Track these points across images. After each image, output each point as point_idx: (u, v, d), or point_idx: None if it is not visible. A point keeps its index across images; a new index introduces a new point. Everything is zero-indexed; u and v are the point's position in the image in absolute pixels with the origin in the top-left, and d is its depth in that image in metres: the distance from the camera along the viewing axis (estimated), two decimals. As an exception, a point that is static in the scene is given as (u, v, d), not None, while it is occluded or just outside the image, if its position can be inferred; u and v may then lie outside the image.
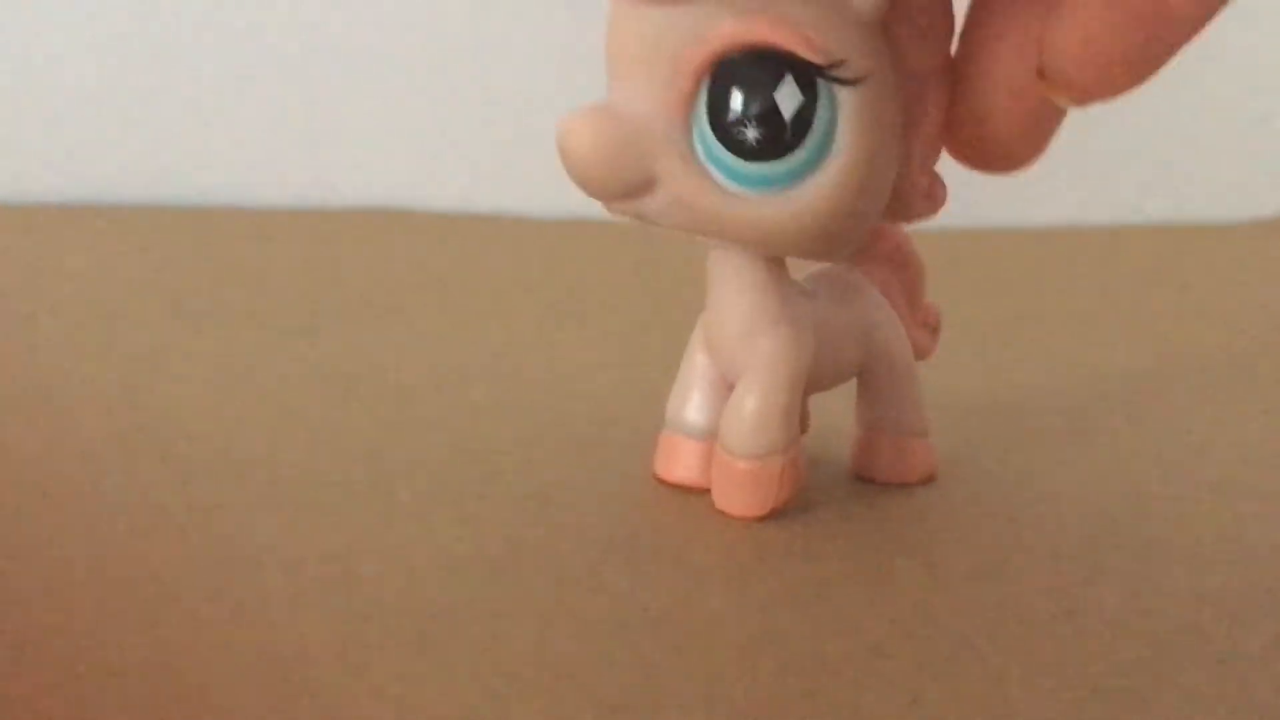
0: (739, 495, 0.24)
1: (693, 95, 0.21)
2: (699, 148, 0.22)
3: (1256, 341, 0.38)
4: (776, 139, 0.21)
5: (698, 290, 0.24)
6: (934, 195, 0.24)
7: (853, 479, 0.26)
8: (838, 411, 0.27)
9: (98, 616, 0.20)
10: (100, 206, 0.53)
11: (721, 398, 0.24)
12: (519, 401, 0.31)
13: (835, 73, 0.21)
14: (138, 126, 0.54)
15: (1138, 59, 0.21)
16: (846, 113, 0.21)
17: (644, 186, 0.22)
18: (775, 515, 0.24)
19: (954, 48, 0.23)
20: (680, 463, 0.25)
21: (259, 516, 0.24)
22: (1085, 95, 0.22)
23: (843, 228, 0.22)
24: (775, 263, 0.24)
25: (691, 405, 0.25)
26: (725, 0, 0.21)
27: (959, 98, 0.23)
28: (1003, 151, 0.23)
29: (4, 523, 0.23)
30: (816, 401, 0.27)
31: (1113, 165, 0.56)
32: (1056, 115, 0.23)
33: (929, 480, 0.26)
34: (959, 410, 0.31)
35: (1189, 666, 0.20)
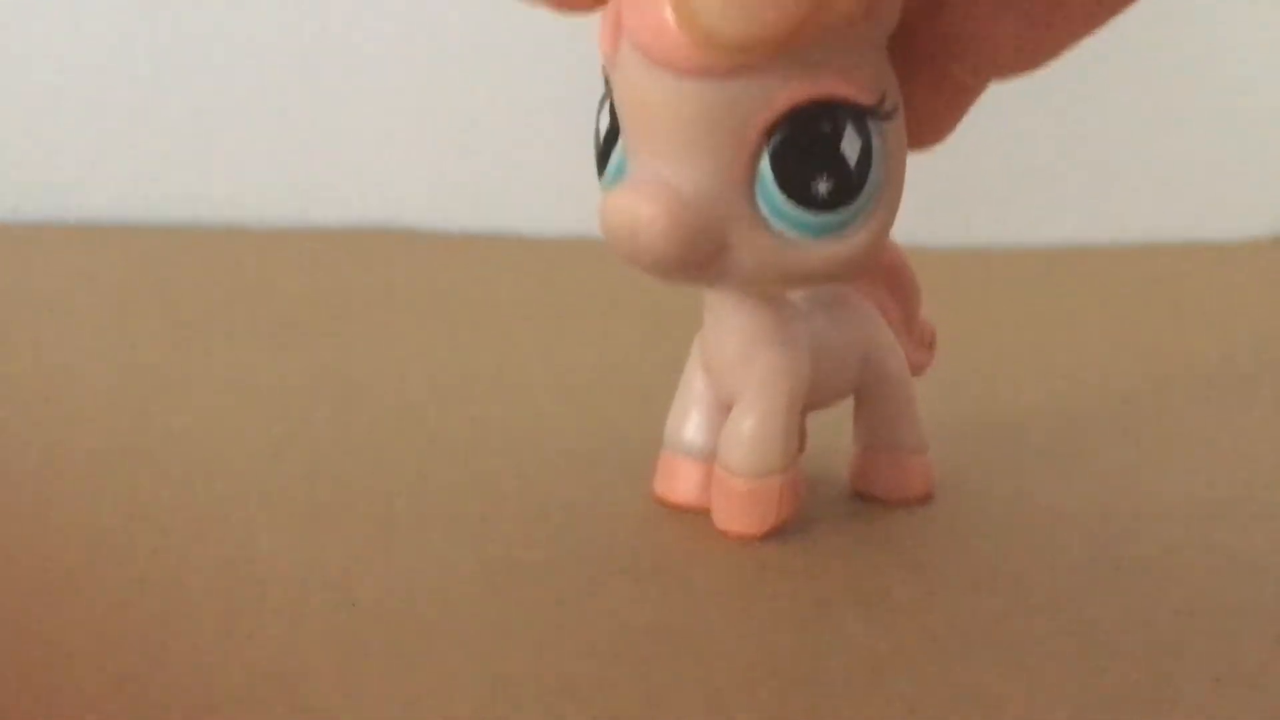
0: (738, 515, 0.24)
1: (756, 160, 0.21)
2: (764, 207, 0.21)
3: (1253, 359, 0.38)
4: (846, 187, 0.21)
5: (697, 309, 0.25)
6: None
7: (851, 497, 0.26)
8: (836, 430, 0.27)
9: (96, 632, 0.20)
10: (108, 226, 0.53)
11: (720, 418, 0.25)
12: (519, 420, 0.31)
13: (882, 109, 0.21)
14: (140, 146, 0.55)
15: (1030, 46, 0.21)
16: (884, 143, 0.21)
17: (716, 259, 0.21)
18: (775, 534, 0.24)
19: None
20: (680, 483, 0.25)
21: (259, 534, 0.24)
22: (979, 73, 0.22)
23: (880, 250, 0.23)
24: None
25: (690, 425, 0.25)
26: (776, 59, 0.20)
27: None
28: (915, 130, 0.24)
29: (5, 538, 0.23)
30: (814, 420, 0.27)
31: (1110, 184, 0.56)
32: (968, 97, 0.23)
33: (928, 497, 0.26)
34: (957, 428, 0.31)
35: (1186, 683, 0.20)
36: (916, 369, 0.27)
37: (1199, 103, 0.56)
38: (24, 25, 0.54)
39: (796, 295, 0.25)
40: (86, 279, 0.44)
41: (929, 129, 0.24)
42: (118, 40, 0.54)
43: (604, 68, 0.22)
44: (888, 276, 0.26)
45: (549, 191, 0.55)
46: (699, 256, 0.21)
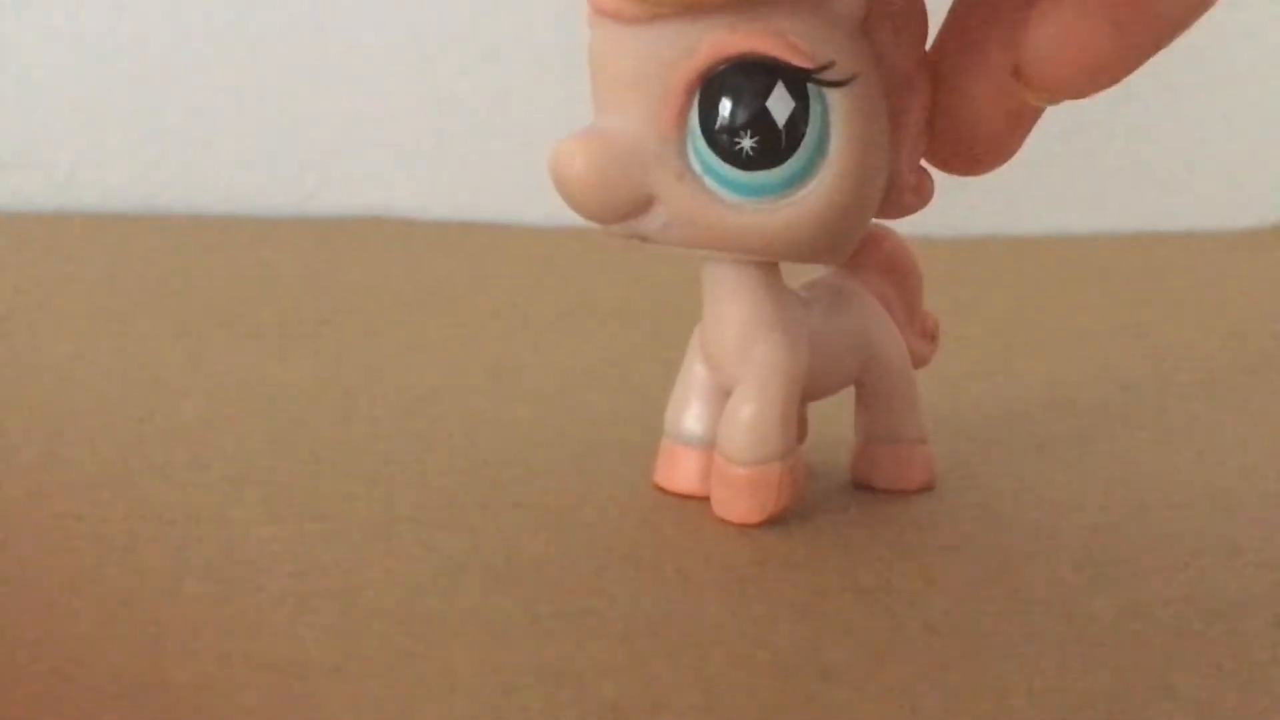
0: (738, 502, 0.24)
1: (684, 111, 0.21)
2: (695, 162, 0.22)
3: (1256, 350, 0.38)
4: (772, 147, 0.21)
5: (696, 298, 0.25)
6: (922, 190, 0.24)
7: (852, 487, 0.26)
8: (837, 420, 0.27)
9: (97, 626, 0.20)
10: (101, 216, 0.53)
11: (720, 407, 0.25)
12: (519, 410, 0.31)
13: (824, 76, 0.21)
14: (138, 136, 0.55)
15: (1111, 60, 0.21)
16: (837, 115, 0.22)
17: (641, 206, 0.22)
18: (774, 522, 0.24)
19: (932, 47, 0.24)
20: (680, 472, 0.25)
21: (258, 526, 0.24)
22: (1057, 95, 0.22)
23: (840, 229, 0.23)
24: (770, 272, 0.24)
25: (690, 414, 0.25)
26: (709, 15, 0.21)
27: (937, 98, 0.23)
28: (977, 153, 0.24)
29: (4, 531, 0.23)
30: (815, 410, 0.27)
31: (1113, 174, 0.56)
32: (1031, 117, 0.23)
33: (928, 487, 0.26)
34: (958, 418, 0.31)
35: (1187, 674, 0.20)
36: (919, 360, 0.27)
37: (1200, 92, 0.56)
38: (24, 14, 0.54)
39: (797, 284, 0.25)
40: (85, 269, 0.44)
41: (992, 151, 0.24)
42: (116, 30, 0.54)
43: None
44: (890, 267, 0.26)
45: (547, 181, 0.55)
46: (621, 200, 0.22)
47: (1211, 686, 0.19)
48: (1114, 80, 0.22)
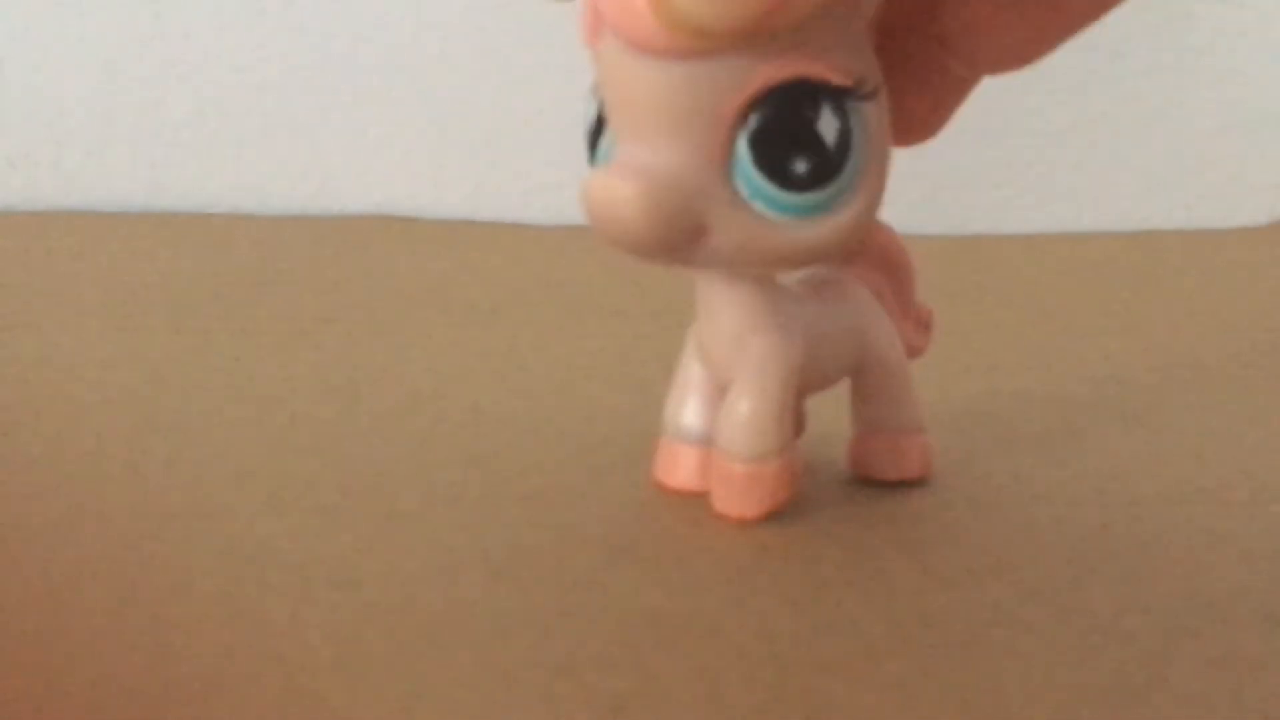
0: (736, 498, 0.24)
1: (732, 141, 0.21)
2: (742, 188, 0.21)
3: (1250, 346, 0.38)
4: (823, 166, 0.21)
5: (693, 297, 0.25)
6: None
7: (850, 480, 0.27)
8: (833, 414, 0.27)
9: (100, 619, 0.20)
10: (107, 214, 0.53)
11: (717, 403, 0.25)
12: (520, 407, 0.31)
13: (860, 91, 0.21)
14: (141, 133, 0.55)
15: (1028, 41, 0.22)
16: (866, 126, 0.22)
17: (693, 238, 0.21)
18: (773, 517, 0.24)
19: None
20: (679, 468, 0.26)
21: (261, 521, 0.24)
22: (980, 68, 0.22)
23: (866, 231, 0.23)
24: None
25: (688, 411, 0.25)
26: (761, 45, 0.21)
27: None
28: (906, 126, 0.24)
29: (8, 525, 0.23)
30: (812, 404, 0.27)
31: (1106, 172, 0.56)
32: (961, 90, 0.23)
33: (925, 477, 0.26)
34: (955, 413, 0.31)
35: (1184, 668, 0.20)
36: (913, 352, 0.27)
37: (1195, 90, 0.56)
38: (31, 13, 0.54)
39: (790, 279, 0.25)
40: (89, 267, 0.44)
41: (922, 124, 0.24)
42: (120, 30, 0.54)
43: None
44: (883, 260, 0.26)
45: (549, 179, 0.55)
46: (677, 236, 0.21)
47: (1206, 681, 0.19)
48: (1039, 55, 0.22)
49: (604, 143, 0.23)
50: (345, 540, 0.23)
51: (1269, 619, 0.21)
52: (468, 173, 0.55)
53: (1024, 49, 0.22)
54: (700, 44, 0.20)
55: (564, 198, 0.51)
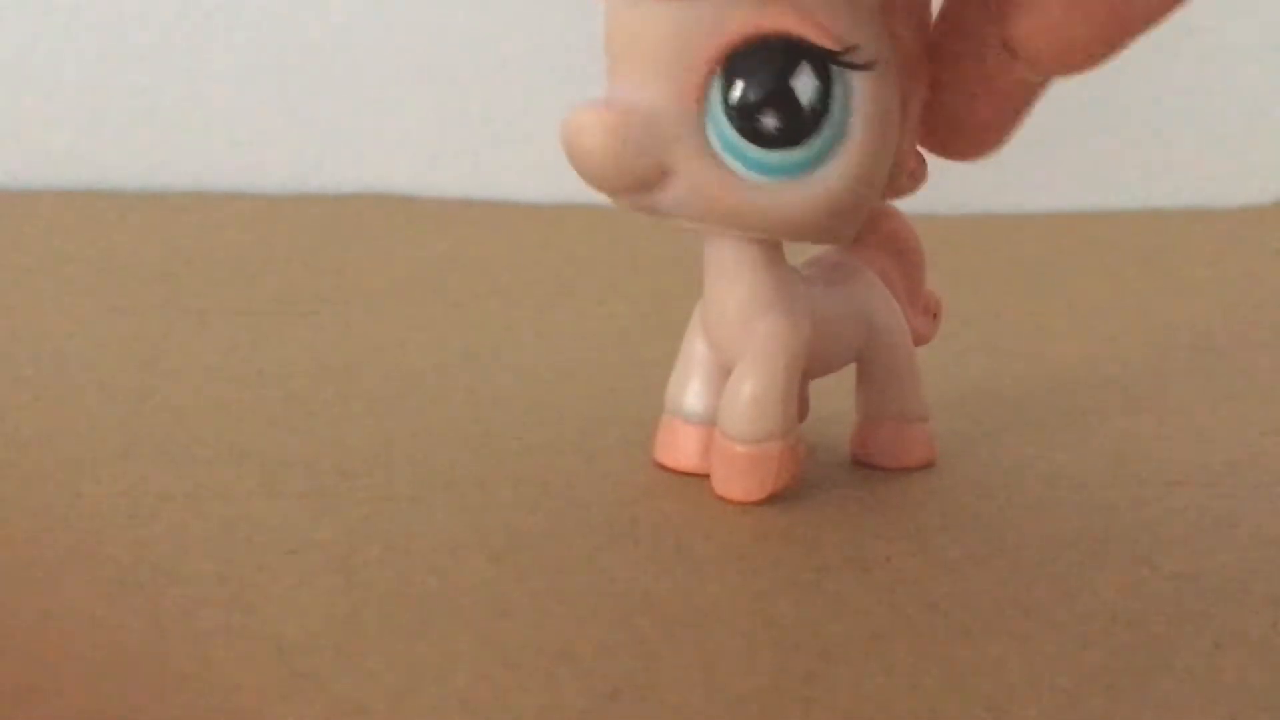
0: (737, 480, 0.24)
1: (707, 86, 0.21)
2: (714, 138, 0.21)
3: (1254, 327, 0.38)
4: (795, 126, 0.21)
5: (696, 275, 0.25)
6: (917, 173, 0.24)
7: (853, 465, 0.26)
8: (838, 398, 0.27)
9: (96, 601, 0.20)
10: (101, 193, 0.53)
11: (720, 383, 0.24)
12: (518, 387, 0.31)
13: (849, 58, 0.21)
14: (137, 112, 0.54)
15: (1096, 40, 0.21)
16: (858, 98, 0.22)
17: (657, 179, 0.22)
18: (774, 500, 0.24)
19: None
20: (680, 448, 0.25)
21: (258, 503, 0.24)
22: (1051, 69, 0.22)
23: (851, 210, 0.23)
24: (772, 249, 0.24)
25: (691, 391, 0.25)
26: None
27: (938, 81, 0.23)
28: (970, 137, 0.23)
29: (2, 509, 0.23)
30: (816, 388, 0.27)
31: (1110, 151, 0.56)
32: (1024, 101, 0.23)
33: (928, 465, 0.26)
34: (957, 396, 0.31)
35: (1186, 651, 0.20)
36: (920, 339, 0.27)
37: (1200, 68, 0.56)
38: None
39: (799, 262, 0.25)
40: (82, 247, 0.43)
41: (991, 133, 0.24)
42: (114, 7, 0.54)
43: None
44: (892, 245, 0.26)
45: (547, 157, 0.54)
46: (638, 172, 0.21)
47: (1210, 663, 0.19)
48: (1107, 55, 0.22)
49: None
50: (342, 522, 0.23)
51: (1274, 602, 0.21)
52: (465, 151, 0.55)
53: (1092, 48, 0.21)
54: None
55: (562, 176, 0.51)
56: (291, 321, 0.35)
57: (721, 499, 0.24)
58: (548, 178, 0.54)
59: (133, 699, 0.18)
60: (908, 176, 0.24)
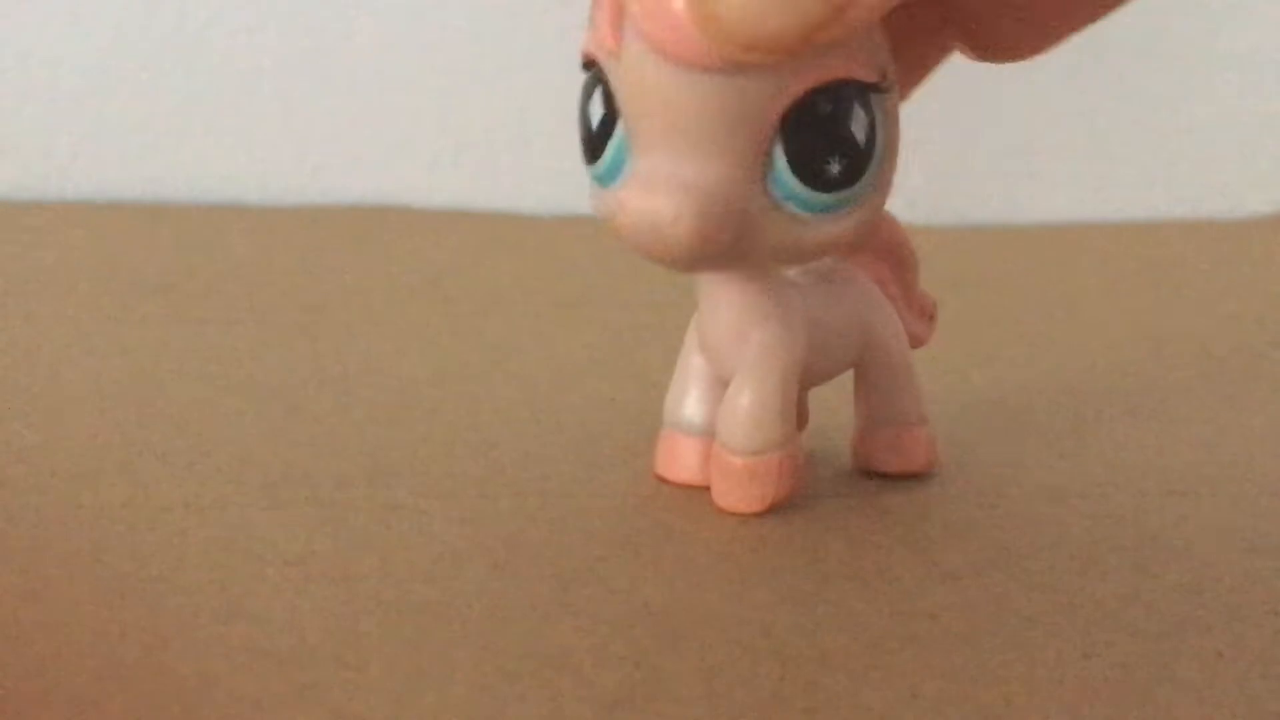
0: (737, 491, 0.24)
1: (771, 146, 0.21)
2: (776, 192, 0.21)
3: (1256, 337, 0.38)
4: (856, 165, 0.21)
5: (694, 288, 0.24)
6: None
7: (853, 473, 0.26)
8: (837, 406, 0.27)
9: (95, 612, 0.20)
10: (100, 204, 0.53)
11: (718, 395, 0.24)
12: (518, 398, 0.31)
13: (884, 85, 0.21)
14: (135, 123, 0.54)
15: (1053, 24, 0.21)
16: (885, 117, 0.22)
17: (734, 248, 0.21)
18: (774, 511, 0.24)
19: None
20: (680, 461, 0.25)
21: (257, 513, 0.24)
22: (999, 57, 0.22)
23: (878, 223, 0.23)
24: None
25: (689, 403, 0.25)
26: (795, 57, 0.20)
27: None
28: (1035, 29, 0.23)
29: (1, 519, 0.23)
30: (815, 396, 0.27)
31: (1110, 162, 0.56)
32: (935, 66, 0.23)
33: (930, 468, 0.26)
34: (959, 405, 0.31)
35: (1188, 661, 0.20)
36: (916, 341, 0.27)
37: (1200, 79, 0.56)
38: (21, 1, 0.54)
39: (792, 270, 0.25)
40: (82, 257, 0.43)
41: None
42: (117, 18, 0.54)
43: (589, 55, 0.22)
44: (885, 249, 0.26)
45: (548, 170, 0.55)
46: (723, 249, 0.21)
47: (1212, 674, 0.19)
48: (1051, 44, 0.22)
49: (613, 148, 0.22)
50: (342, 533, 0.23)
51: (1275, 612, 0.21)
52: (464, 162, 0.55)
53: (1039, 37, 0.22)
54: (747, 58, 0.19)
55: (562, 188, 0.51)
56: (291, 332, 0.35)
57: (721, 510, 0.24)
58: (547, 189, 0.54)
59: (132, 709, 0.17)
60: None
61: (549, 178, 0.55)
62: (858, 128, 0.21)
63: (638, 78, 0.21)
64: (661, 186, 0.20)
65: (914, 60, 0.23)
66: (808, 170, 0.21)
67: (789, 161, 0.21)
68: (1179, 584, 0.22)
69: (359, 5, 0.54)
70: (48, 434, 0.27)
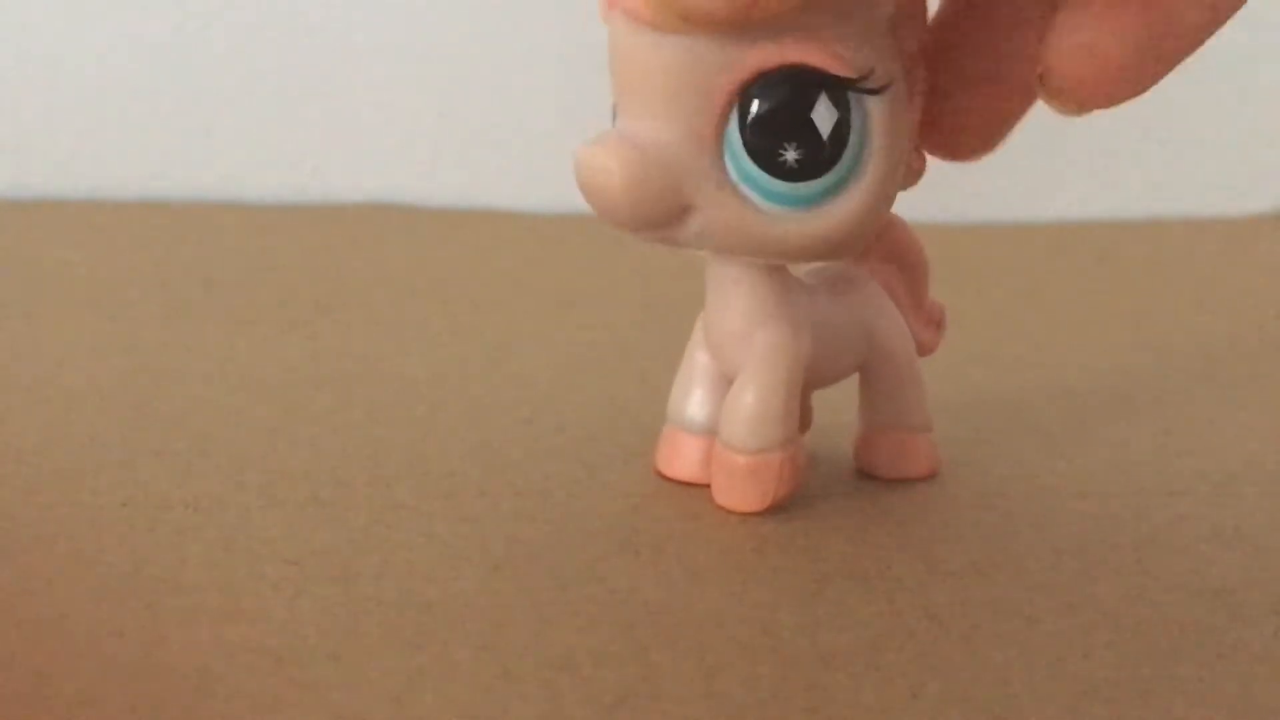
0: (738, 490, 0.24)
1: (725, 121, 0.21)
2: (733, 171, 0.21)
3: (1258, 336, 0.38)
4: (816, 158, 0.21)
5: (697, 285, 0.24)
6: (916, 168, 0.24)
7: (856, 475, 0.26)
8: (841, 407, 0.27)
9: (95, 610, 0.20)
10: (100, 202, 0.53)
11: (723, 394, 0.24)
12: (518, 397, 0.30)
13: (865, 85, 0.21)
14: (136, 121, 0.54)
15: (1140, 68, 0.21)
16: (875, 121, 0.21)
17: (678, 216, 0.21)
18: (775, 510, 0.24)
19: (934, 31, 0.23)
20: (681, 458, 0.25)
21: (258, 512, 0.24)
22: (1085, 104, 0.22)
23: (870, 228, 0.23)
24: None
25: (693, 401, 0.25)
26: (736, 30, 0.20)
27: (940, 87, 0.23)
28: (968, 143, 0.23)
29: (2, 518, 0.23)
30: (820, 399, 0.27)
31: (1112, 160, 0.56)
32: (1022, 112, 0.23)
33: (931, 476, 0.26)
34: (958, 405, 0.31)
35: (1188, 661, 0.20)
36: (924, 349, 0.27)
37: (1202, 78, 0.56)
38: (25, 1, 0.54)
39: (801, 272, 0.25)
40: (83, 255, 0.43)
41: (988, 138, 0.23)
42: (118, 17, 0.54)
43: None
44: (895, 254, 0.26)
45: (546, 167, 0.54)
46: (660, 212, 0.21)
47: (1213, 672, 0.19)
48: (1139, 90, 0.21)
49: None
50: (341, 532, 0.23)
51: (1275, 612, 0.21)
52: (465, 160, 0.55)
53: (1132, 79, 0.21)
54: (686, 28, 0.20)
55: (562, 186, 0.51)
56: (291, 331, 0.35)
57: (722, 509, 0.24)
58: (548, 187, 0.54)
59: (131, 708, 0.17)
60: (909, 173, 0.24)
61: (550, 176, 0.55)
62: (821, 120, 0.21)
63: (615, 40, 0.22)
64: (610, 143, 0.21)
65: (1003, 102, 0.23)
66: (761, 153, 0.21)
67: (742, 140, 0.21)
68: (1179, 584, 0.22)
69: (360, 4, 0.54)
70: (47, 433, 0.27)
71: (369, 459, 0.26)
